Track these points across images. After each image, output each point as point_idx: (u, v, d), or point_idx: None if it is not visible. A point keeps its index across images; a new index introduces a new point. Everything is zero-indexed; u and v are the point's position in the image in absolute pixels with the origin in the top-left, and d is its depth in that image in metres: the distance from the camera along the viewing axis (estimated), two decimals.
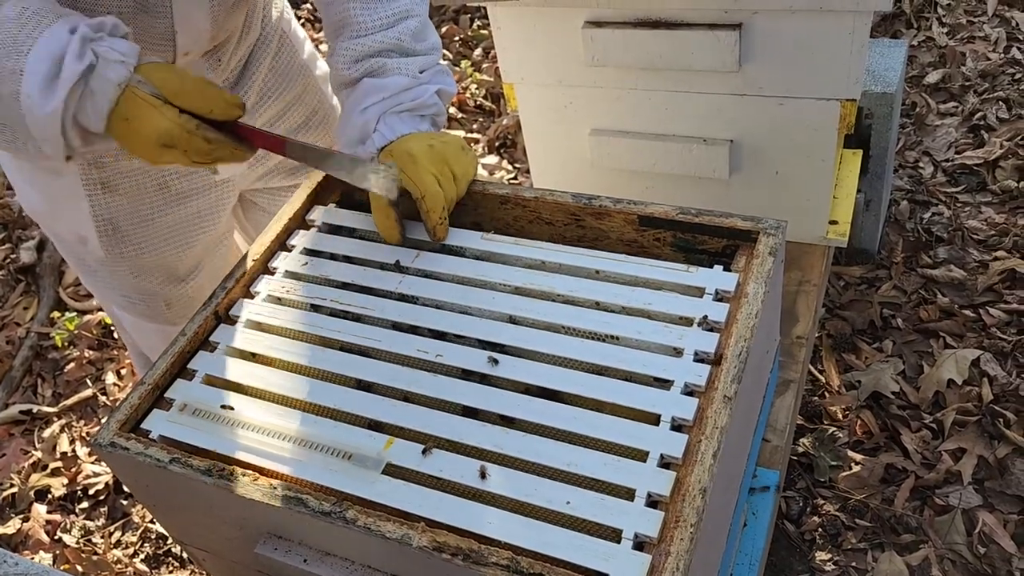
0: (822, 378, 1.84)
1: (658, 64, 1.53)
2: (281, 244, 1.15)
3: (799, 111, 1.52)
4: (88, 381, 2.22)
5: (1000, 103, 2.38)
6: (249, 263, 1.11)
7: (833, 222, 1.69)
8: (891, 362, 1.82)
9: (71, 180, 1.21)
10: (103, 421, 1.38)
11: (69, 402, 2.17)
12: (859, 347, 1.88)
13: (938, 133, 2.35)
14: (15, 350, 2.31)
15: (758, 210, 1.69)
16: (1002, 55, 2.52)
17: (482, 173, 2.65)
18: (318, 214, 1.16)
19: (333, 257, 1.13)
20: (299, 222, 1.18)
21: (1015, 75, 2.46)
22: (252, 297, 1.08)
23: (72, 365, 2.25)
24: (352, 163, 1.02)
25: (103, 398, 2.18)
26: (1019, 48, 2.54)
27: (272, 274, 1.11)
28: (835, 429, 1.73)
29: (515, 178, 2.64)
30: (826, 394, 1.81)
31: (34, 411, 2.15)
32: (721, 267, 0.98)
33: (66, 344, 2.31)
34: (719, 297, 0.96)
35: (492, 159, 2.72)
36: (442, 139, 1.09)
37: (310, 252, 1.13)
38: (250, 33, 1.26)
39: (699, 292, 0.96)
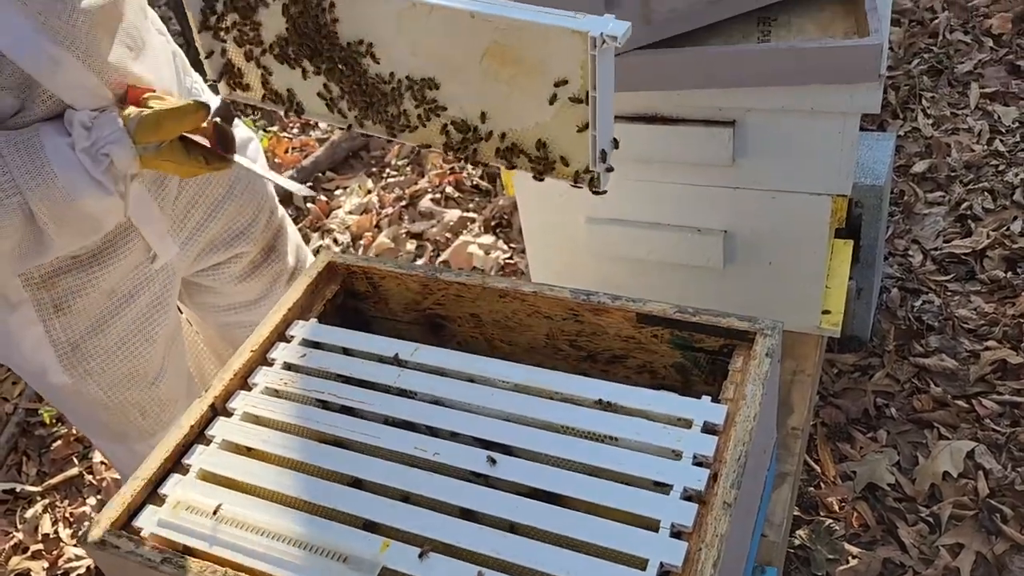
0: (817, 468, 1.83)
1: (654, 156, 1.57)
2: (280, 335, 1.15)
3: (792, 204, 1.55)
4: (74, 459, 2.19)
5: (985, 193, 2.43)
6: (248, 354, 1.11)
7: (826, 312, 1.71)
8: (886, 452, 1.81)
9: (24, 310, 1.22)
10: (93, 516, 1.35)
11: (54, 481, 2.13)
12: (854, 436, 1.87)
13: (926, 222, 2.40)
14: (1, 426, 2.28)
15: (752, 299, 1.71)
16: (985, 147, 2.59)
17: (478, 253, 2.68)
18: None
19: (332, 349, 1.13)
20: (299, 312, 1.19)
21: (999, 166, 2.52)
22: (250, 389, 1.08)
23: (59, 443, 2.22)
24: None
25: (89, 476, 2.14)
26: (1002, 140, 2.61)
27: (271, 365, 1.11)
28: (831, 521, 1.71)
29: (510, 258, 2.66)
30: (821, 484, 1.80)
31: (17, 490, 2.11)
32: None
33: (54, 421, 2.28)
34: (716, 400, 0.96)
35: (488, 239, 2.75)
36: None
37: (309, 343, 1.14)
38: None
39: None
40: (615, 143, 0.97)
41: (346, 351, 1.12)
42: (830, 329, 1.70)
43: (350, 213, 2.96)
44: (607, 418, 0.96)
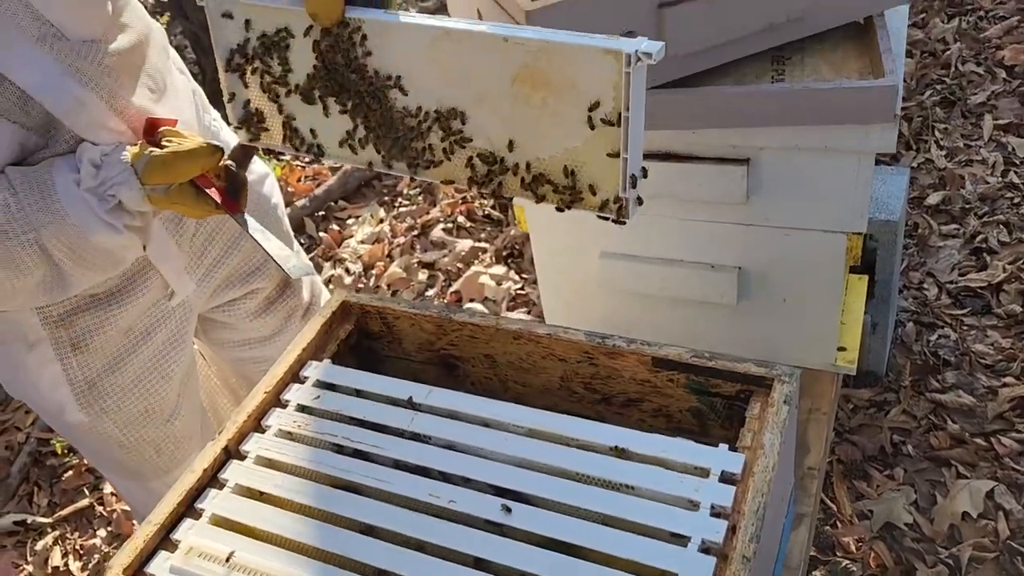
0: (833, 506, 1.81)
1: (667, 193, 1.57)
2: (294, 375, 1.15)
3: (806, 242, 1.55)
4: (85, 490, 2.18)
5: (1000, 226, 2.41)
6: (261, 395, 1.11)
7: (841, 349, 1.69)
8: (903, 491, 1.79)
9: (43, 348, 1.23)
10: (103, 549, 1.34)
11: (64, 512, 2.13)
12: (870, 474, 1.85)
13: (941, 255, 2.38)
14: (13, 456, 2.28)
15: (766, 336, 1.70)
16: (1000, 179, 2.58)
17: (489, 283, 2.68)
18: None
19: (345, 391, 1.12)
20: (313, 352, 1.19)
21: (1013, 199, 2.51)
22: (263, 431, 1.08)
23: (70, 473, 2.22)
24: None
25: (100, 508, 2.14)
26: (1016, 173, 2.59)
27: (284, 407, 1.11)
28: (848, 562, 1.69)
29: (522, 288, 2.66)
30: (838, 523, 1.77)
31: (28, 521, 2.10)
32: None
33: (66, 451, 2.28)
34: (734, 448, 0.95)
35: (500, 269, 2.75)
36: None
37: (323, 385, 1.13)
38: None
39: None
40: (644, 172, 0.96)
41: (359, 393, 1.12)
42: (846, 366, 1.69)
43: (362, 242, 2.97)
44: (623, 466, 0.95)
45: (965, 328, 2.16)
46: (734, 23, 1.34)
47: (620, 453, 0.97)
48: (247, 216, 1.16)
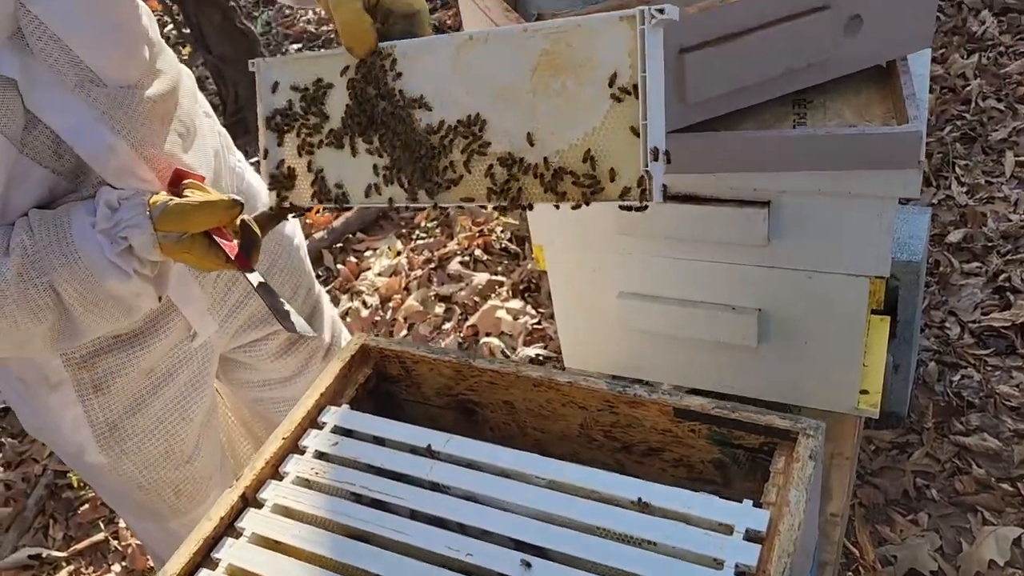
0: (855, 551, 1.77)
1: (687, 235, 1.56)
2: (312, 421, 1.14)
3: (828, 285, 1.53)
4: (101, 524, 2.18)
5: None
6: (279, 441, 1.10)
7: (864, 392, 1.67)
8: (928, 537, 1.75)
9: (64, 390, 1.22)
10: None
11: (80, 546, 2.12)
12: (893, 519, 1.82)
13: (963, 293, 2.36)
14: (30, 488, 2.28)
15: (787, 379, 1.68)
16: (1022, 217, 2.56)
17: (506, 318, 2.67)
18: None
19: (363, 437, 1.12)
20: (331, 397, 1.18)
21: None
22: (281, 478, 1.07)
23: (86, 507, 2.22)
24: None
25: (115, 542, 2.13)
26: None
27: (302, 453, 1.10)
28: None
29: (539, 323, 2.65)
30: (860, 569, 1.74)
31: (43, 555, 2.10)
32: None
33: (82, 484, 2.28)
34: (758, 503, 0.94)
35: (516, 303, 2.75)
36: None
37: (341, 431, 1.13)
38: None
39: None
40: (667, 156, 0.95)
41: (378, 440, 1.11)
42: (868, 410, 1.66)
43: (379, 275, 2.98)
44: (645, 521, 0.94)
45: (989, 369, 2.13)
46: (755, 68, 1.34)
47: (643, 507, 0.95)
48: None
